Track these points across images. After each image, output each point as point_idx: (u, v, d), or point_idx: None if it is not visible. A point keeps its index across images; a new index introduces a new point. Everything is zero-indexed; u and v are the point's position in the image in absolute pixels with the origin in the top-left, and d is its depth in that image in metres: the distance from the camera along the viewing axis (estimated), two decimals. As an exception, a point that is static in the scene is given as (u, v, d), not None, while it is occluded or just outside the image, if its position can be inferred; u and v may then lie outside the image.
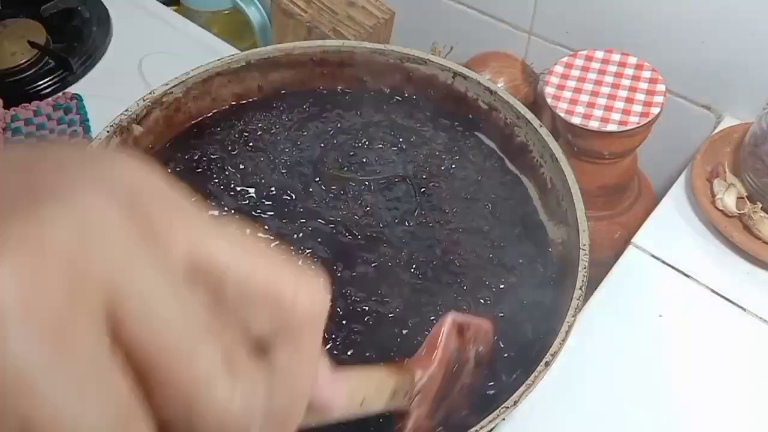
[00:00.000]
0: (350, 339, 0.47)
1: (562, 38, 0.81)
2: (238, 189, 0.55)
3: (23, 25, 0.88)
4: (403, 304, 0.49)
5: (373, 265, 0.51)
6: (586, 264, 0.48)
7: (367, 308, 0.49)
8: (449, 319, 0.41)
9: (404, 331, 0.48)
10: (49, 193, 0.16)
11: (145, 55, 0.87)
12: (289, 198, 0.55)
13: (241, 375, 0.17)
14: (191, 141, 0.59)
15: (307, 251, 0.51)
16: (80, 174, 0.17)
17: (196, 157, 0.58)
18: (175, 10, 0.96)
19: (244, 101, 0.63)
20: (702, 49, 0.71)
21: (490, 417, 0.41)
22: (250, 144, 0.59)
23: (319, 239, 0.52)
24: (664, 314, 0.61)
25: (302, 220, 0.53)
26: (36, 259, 0.15)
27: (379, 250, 0.52)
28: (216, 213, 0.51)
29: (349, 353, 0.47)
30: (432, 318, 0.48)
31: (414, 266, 0.51)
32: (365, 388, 0.29)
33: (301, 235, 0.52)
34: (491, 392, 0.46)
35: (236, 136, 0.60)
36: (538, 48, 0.83)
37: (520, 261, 0.53)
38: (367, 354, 0.47)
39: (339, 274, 0.50)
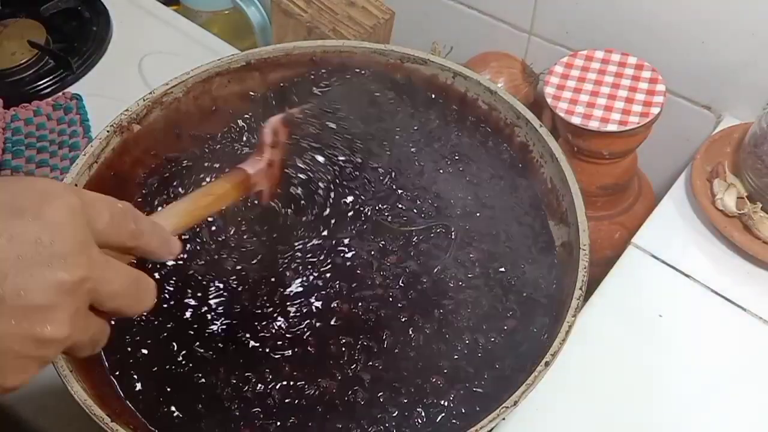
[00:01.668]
0: None
1: (562, 38, 0.81)
2: None
3: (23, 25, 0.88)
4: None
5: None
6: (586, 264, 0.48)
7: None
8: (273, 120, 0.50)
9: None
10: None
11: (145, 55, 0.87)
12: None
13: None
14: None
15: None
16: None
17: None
18: (175, 10, 0.96)
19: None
20: (702, 49, 0.71)
21: (490, 417, 0.41)
22: None
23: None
24: (664, 314, 0.61)
25: None
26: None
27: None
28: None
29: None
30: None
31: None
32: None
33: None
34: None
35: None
36: (538, 48, 0.83)
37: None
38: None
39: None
